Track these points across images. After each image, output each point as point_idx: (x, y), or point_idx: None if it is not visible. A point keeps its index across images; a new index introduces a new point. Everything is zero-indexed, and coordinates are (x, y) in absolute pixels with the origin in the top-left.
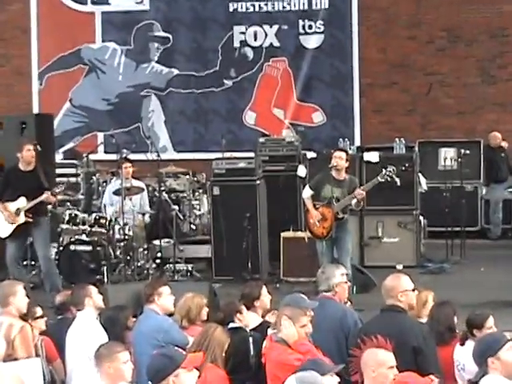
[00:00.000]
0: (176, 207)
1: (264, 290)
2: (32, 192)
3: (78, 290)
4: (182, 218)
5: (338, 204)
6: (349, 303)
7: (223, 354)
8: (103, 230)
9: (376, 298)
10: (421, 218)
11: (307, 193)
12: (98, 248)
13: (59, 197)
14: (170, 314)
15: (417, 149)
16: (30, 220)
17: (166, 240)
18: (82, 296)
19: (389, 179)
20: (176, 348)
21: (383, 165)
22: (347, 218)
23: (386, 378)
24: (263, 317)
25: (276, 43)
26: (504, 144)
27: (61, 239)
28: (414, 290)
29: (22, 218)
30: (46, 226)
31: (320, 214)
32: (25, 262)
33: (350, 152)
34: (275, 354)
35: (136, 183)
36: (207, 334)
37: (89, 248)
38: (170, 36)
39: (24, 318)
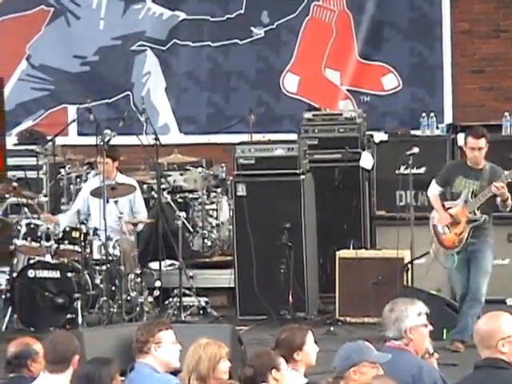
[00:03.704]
0: (183, 214)
1: (310, 337)
2: None
3: (63, 339)
4: (191, 229)
5: (473, 201)
6: (435, 356)
7: None
8: (76, 249)
9: (476, 348)
10: None
11: (434, 190)
12: (69, 274)
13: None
14: (175, 372)
15: None
16: None
17: (169, 262)
18: (71, 353)
19: None
20: None
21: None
22: (488, 223)
23: None
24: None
25: None
26: None
27: (14, 261)
28: None
29: None
30: None
31: (450, 217)
32: None
33: (439, 132)
34: None
35: (123, 179)
36: None
37: (56, 274)
38: None
39: None
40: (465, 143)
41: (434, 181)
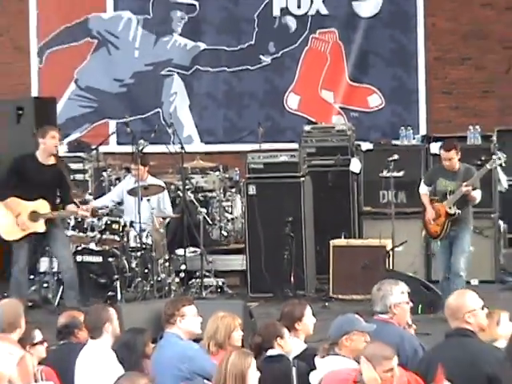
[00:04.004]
0: (203, 210)
1: (308, 310)
2: (48, 192)
3: (97, 312)
4: (210, 222)
5: (450, 198)
6: (413, 327)
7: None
8: (116, 238)
9: (445, 320)
10: (500, 222)
11: (423, 189)
12: (110, 259)
13: None
14: (197, 339)
15: (495, 138)
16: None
17: (192, 249)
18: (103, 320)
19: (499, 167)
20: (206, 382)
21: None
22: (467, 214)
23: None
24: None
25: (324, 11)
26: None
27: None
28: (483, 309)
29: (40, 227)
30: (63, 231)
31: (435, 212)
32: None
33: (415, 142)
34: None
35: (154, 181)
36: (221, 367)
37: (99, 259)
38: (197, 3)
39: (22, 343)
40: (440, 154)
41: (422, 182)
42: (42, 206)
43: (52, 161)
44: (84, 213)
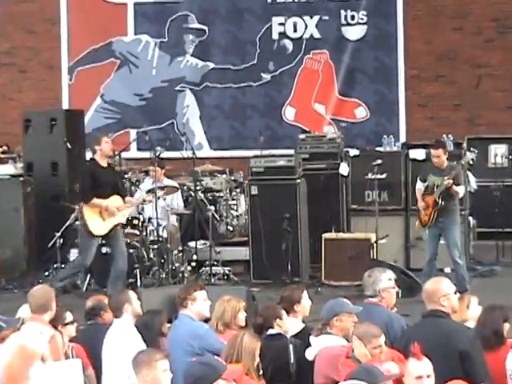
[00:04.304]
0: (212, 207)
1: (305, 294)
2: (114, 189)
3: (117, 294)
4: (218, 218)
5: (436, 192)
6: (394, 309)
7: (255, 363)
8: (136, 232)
9: (422, 303)
10: (470, 218)
11: (419, 185)
12: (131, 250)
13: None
14: (207, 320)
15: (465, 145)
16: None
17: (202, 242)
18: (122, 301)
19: (471, 162)
20: (216, 357)
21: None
22: (452, 205)
23: None
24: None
25: (316, 35)
26: None
27: None
28: (455, 293)
29: (121, 218)
30: (121, 231)
31: (425, 204)
32: (55, 265)
33: (396, 148)
34: (348, 372)
35: (169, 182)
36: (235, 343)
37: None
38: (206, 28)
39: (54, 324)
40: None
41: (418, 179)
42: (117, 200)
43: (107, 163)
44: (149, 199)
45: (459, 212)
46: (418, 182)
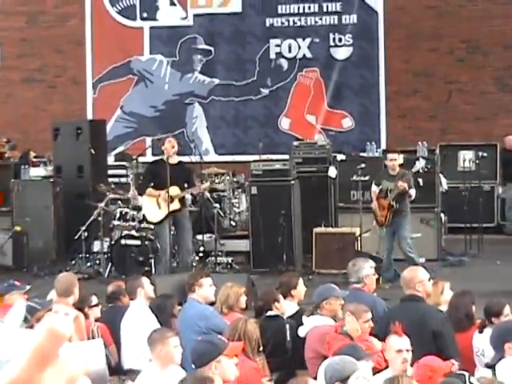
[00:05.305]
0: (217, 205)
1: (301, 280)
2: (175, 182)
3: (132, 280)
4: (222, 215)
5: (390, 195)
6: (374, 294)
7: (255, 346)
8: (151, 226)
9: (401, 288)
10: (442, 215)
11: (373, 188)
12: (146, 242)
13: (112, 195)
14: (212, 303)
15: (438, 151)
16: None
17: (208, 235)
18: (136, 286)
19: (420, 171)
20: (219, 336)
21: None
22: (404, 207)
23: (395, 360)
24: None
25: (308, 55)
26: None
27: (113, 234)
28: (430, 280)
29: (176, 205)
30: (188, 218)
31: (379, 206)
32: (80, 255)
33: (377, 154)
34: (339, 345)
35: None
36: (237, 327)
37: (138, 242)
38: (212, 49)
39: (79, 307)
40: (385, 158)
41: (373, 183)
42: (173, 189)
43: (175, 160)
44: (204, 187)
45: (409, 211)
46: (373, 185)
